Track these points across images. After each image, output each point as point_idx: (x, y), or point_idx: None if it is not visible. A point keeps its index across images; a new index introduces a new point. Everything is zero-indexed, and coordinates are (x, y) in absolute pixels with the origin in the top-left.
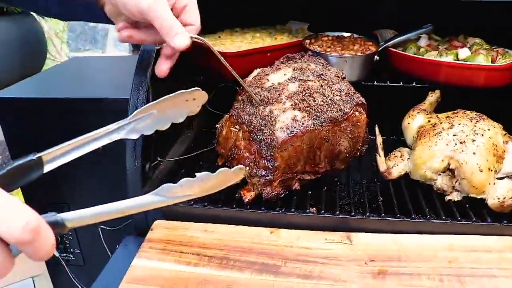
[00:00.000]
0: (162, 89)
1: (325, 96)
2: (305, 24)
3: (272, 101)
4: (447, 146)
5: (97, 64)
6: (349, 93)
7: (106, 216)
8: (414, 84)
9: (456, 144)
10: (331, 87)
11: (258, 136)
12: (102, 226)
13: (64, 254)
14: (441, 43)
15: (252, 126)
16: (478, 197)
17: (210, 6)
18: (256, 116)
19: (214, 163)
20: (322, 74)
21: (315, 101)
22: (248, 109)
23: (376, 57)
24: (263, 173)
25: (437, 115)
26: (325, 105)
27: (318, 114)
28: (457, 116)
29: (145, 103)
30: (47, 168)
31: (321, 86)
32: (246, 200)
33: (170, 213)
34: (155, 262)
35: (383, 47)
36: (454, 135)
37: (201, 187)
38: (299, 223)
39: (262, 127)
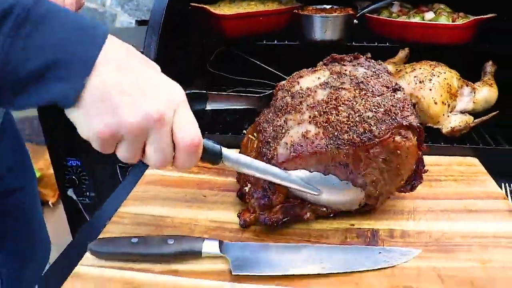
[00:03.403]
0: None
1: (353, 110)
2: None
3: (290, 110)
4: (408, 85)
5: None
6: (391, 110)
7: (255, 170)
8: (387, 44)
9: (416, 83)
10: (368, 100)
11: (264, 149)
12: (120, 164)
13: (81, 198)
14: (411, 9)
15: (263, 136)
16: (435, 127)
17: None
18: (270, 125)
19: None
20: (362, 82)
21: (338, 115)
22: (270, 116)
23: (355, 20)
24: (260, 194)
25: (404, 65)
26: (349, 122)
27: (336, 134)
28: (419, 64)
29: None
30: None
31: (354, 97)
32: (241, 222)
33: None
34: (165, 172)
35: (361, 12)
36: (415, 77)
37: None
38: None
39: (269, 139)
